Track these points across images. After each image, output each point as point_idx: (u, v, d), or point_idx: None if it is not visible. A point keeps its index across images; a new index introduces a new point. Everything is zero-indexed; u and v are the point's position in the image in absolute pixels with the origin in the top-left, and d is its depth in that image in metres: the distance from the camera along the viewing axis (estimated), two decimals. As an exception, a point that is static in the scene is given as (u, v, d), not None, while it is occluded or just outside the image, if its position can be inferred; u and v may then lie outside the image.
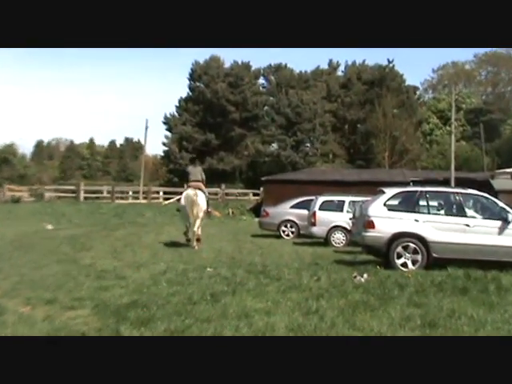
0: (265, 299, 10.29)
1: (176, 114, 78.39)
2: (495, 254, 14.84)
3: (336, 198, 24.98)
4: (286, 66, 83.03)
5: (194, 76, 78.40)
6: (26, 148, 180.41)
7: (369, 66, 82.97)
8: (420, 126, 78.79)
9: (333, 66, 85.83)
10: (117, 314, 9.04)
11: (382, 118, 69.25)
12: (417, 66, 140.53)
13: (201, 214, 20.17)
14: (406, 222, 15.21)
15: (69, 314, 9.19)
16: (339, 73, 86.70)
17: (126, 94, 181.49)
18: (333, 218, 23.91)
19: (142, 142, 77.15)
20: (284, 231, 27.21)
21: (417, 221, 15.17)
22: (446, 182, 37.61)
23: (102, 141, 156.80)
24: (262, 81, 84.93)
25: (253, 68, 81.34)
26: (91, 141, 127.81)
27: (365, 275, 12.96)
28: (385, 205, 15.64)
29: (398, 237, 15.08)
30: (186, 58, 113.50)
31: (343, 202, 24.38)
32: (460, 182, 32.19)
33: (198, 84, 78.14)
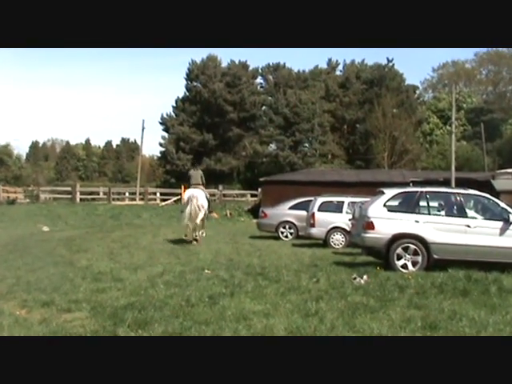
0: (263, 301, 10.31)
1: (173, 114, 78.37)
2: (496, 255, 14.84)
3: (335, 199, 25.00)
4: (284, 65, 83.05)
5: (191, 76, 78.39)
6: (21, 149, 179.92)
7: (368, 66, 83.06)
8: (420, 125, 78.85)
9: (331, 66, 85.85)
10: (114, 316, 9.05)
11: (382, 118, 69.32)
12: (416, 65, 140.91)
13: (201, 212, 21.46)
14: (406, 223, 15.22)
15: (65, 317, 9.20)
16: (338, 72, 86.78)
17: (123, 94, 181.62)
18: (332, 219, 23.93)
19: (139, 143, 77.25)
20: (282, 232, 27.21)
21: (417, 222, 15.17)
22: (446, 183, 37.61)
23: (98, 141, 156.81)
24: (259, 80, 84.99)
25: (250, 67, 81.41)
26: (87, 141, 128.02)
27: (364, 277, 12.98)
28: (384, 206, 15.65)
29: (397, 238, 15.09)
30: (183, 58, 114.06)
31: (342, 202, 24.40)
32: (460, 183, 32.19)
33: (195, 84, 78.15)
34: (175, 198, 50.65)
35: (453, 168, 43.56)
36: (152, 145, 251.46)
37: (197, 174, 22.80)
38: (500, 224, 15.13)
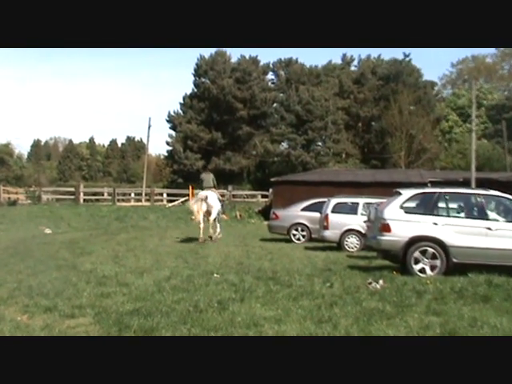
0: (275, 307, 10.30)
1: (180, 111, 78.51)
2: (519, 259, 14.80)
3: (349, 200, 24.96)
4: (296, 60, 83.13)
5: (199, 71, 78.46)
6: (22, 148, 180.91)
7: (384, 61, 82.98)
8: (438, 123, 78.73)
9: (346, 61, 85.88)
10: (119, 322, 9.06)
11: (398, 116, 69.23)
12: (435, 60, 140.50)
13: (213, 212, 23.91)
14: (423, 226, 15.17)
15: (68, 323, 9.22)
16: (352, 68, 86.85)
17: (128, 91, 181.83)
18: (346, 221, 23.88)
19: (145, 142, 77.40)
20: (295, 235, 27.19)
21: (435, 224, 15.12)
22: (466, 183, 37.54)
23: (102, 140, 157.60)
24: (270, 76, 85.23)
25: (261, 63, 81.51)
26: (91, 140, 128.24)
27: (380, 281, 12.95)
28: (401, 207, 15.61)
29: (415, 241, 15.05)
30: (191, 53, 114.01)
31: (357, 204, 24.34)
32: (481, 183, 32.13)
33: (203, 80, 78.21)
34: (183, 199, 50.68)
35: (473, 168, 43.42)
36: (159, 143, 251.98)
37: (208, 178, 25.07)
38: (523, 226, 15.09)
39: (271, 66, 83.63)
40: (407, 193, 16.09)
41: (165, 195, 57.34)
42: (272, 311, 9.96)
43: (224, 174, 69.79)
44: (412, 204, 15.98)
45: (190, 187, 48.36)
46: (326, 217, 24.15)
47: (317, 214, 25.74)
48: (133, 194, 58.58)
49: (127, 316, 9.44)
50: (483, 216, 15.36)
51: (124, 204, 50.68)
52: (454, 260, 14.83)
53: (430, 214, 15.37)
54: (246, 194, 59.59)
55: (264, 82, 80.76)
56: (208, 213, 23.86)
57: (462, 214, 15.68)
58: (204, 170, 28.48)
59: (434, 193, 16.07)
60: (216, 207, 24.17)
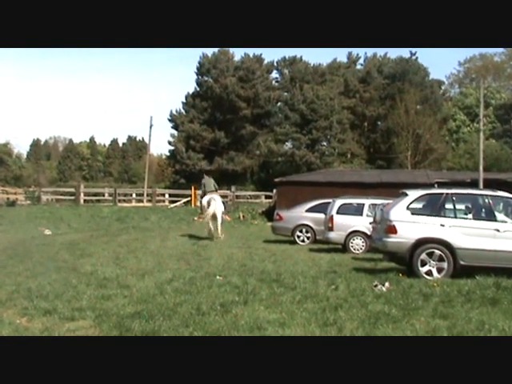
0: (279, 310, 10.30)
1: (183, 110, 78.54)
2: (528, 261, 14.78)
3: (355, 201, 24.95)
4: (300, 58, 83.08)
5: (201, 70, 78.50)
6: (21, 147, 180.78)
7: (390, 59, 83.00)
8: (445, 123, 78.71)
9: (351, 59, 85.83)
10: (120, 325, 9.07)
11: (405, 115, 69.20)
12: (442, 58, 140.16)
13: (219, 216, 25.71)
14: (430, 227, 15.16)
15: (68, 326, 9.21)
16: (358, 66, 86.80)
17: (129, 90, 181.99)
18: (351, 222, 23.87)
19: (146, 141, 77.72)
20: (299, 236, 27.16)
21: (442, 225, 15.11)
22: (473, 184, 37.51)
23: (103, 140, 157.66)
24: (274, 75, 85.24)
25: (265, 61, 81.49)
26: (92, 139, 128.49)
27: (386, 284, 12.94)
28: (408, 208, 15.59)
29: (422, 243, 15.03)
30: (193, 51, 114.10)
31: (362, 205, 24.32)
32: (489, 184, 32.06)
33: (206, 78, 78.25)
34: (185, 200, 50.74)
35: (481, 168, 43.42)
36: (160, 143, 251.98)
37: (210, 182, 26.82)
38: (532, 228, 15.07)
39: (275, 64, 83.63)
40: (414, 194, 16.08)
41: (167, 196, 57.31)
42: (276, 314, 9.96)
43: (227, 174, 69.85)
44: (418, 205, 15.96)
45: (193, 188, 48.41)
46: (331, 218, 24.13)
47: (321, 215, 25.72)
48: (134, 195, 58.55)
49: (128, 319, 9.44)
50: (491, 217, 15.35)
51: (125, 205, 50.68)
52: (462, 262, 14.82)
53: (437, 216, 15.36)
54: (249, 194, 59.61)
55: (268, 80, 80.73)
56: (214, 217, 25.60)
57: (470, 216, 15.66)
58: (207, 173, 28.93)
59: (441, 194, 16.04)
60: (221, 212, 26.02)
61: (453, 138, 79.81)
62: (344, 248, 23.50)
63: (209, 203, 25.56)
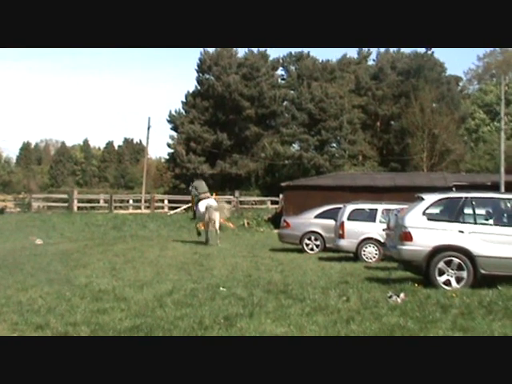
0: (286, 323, 10.30)
1: (182, 110, 78.61)
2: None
3: (367, 207, 24.95)
4: (308, 54, 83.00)
5: (202, 67, 78.55)
6: (10, 151, 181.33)
7: (404, 54, 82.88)
8: (464, 122, 78.66)
9: (362, 55, 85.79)
10: (117, 340, 9.08)
11: (420, 114, 69.15)
12: (459, 53, 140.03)
13: (217, 220, 28.20)
14: (448, 234, 15.13)
15: (62, 341, 9.22)
16: (370, 62, 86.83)
17: (126, 89, 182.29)
18: (364, 229, 23.87)
19: (144, 144, 77.57)
20: (307, 245, 27.18)
21: (461, 232, 15.08)
22: (494, 187, 37.43)
23: (97, 142, 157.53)
24: (280, 72, 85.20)
25: (270, 57, 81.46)
26: (85, 142, 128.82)
27: (401, 295, 12.93)
28: (424, 214, 15.57)
29: (439, 250, 15.01)
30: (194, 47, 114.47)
31: (375, 210, 24.31)
32: (511, 187, 32.02)
33: (207, 76, 78.29)
34: (185, 206, 50.68)
35: (502, 170, 43.29)
36: (159, 146, 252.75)
37: (202, 184, 29.58)
38: (557, 234, 15.03)
39: (281, 60, 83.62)
40: (430, 198, 16.05)
41: (166, 202, 57.30)
42: (283, 328, 9.96)
43: (230, 178, 69.90)
44: (435, 210, 15.94)
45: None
46: (342, 225, 24.13)
47: (331, 222, 25.73)
48: (131, 201, 58.49)
49: (126, 334, 9.45)
50: (514, 223, 15.34)
51: (122, 212, 50.70)
52: (482, 271, 14.78)
53: (456, 221, 15.33)
54: (254, 200, 59.49)
55: (273, 78, 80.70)
56: (213, 221, 27.88)
57: (491, 221, 15.60)
58: (195, 177, 30.92)
59: (460, 198, 16.01)
60: (218, 218, 28.52)
61: (472, 137, 79.74)
62: (356, 256, 23.50)
63: (206, 209, 27.90)
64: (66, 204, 50.26)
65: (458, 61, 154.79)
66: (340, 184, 41.03)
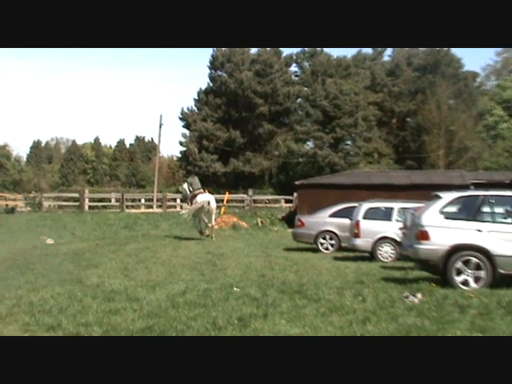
0: (301, 324, 10.30)
1: (195, 108, 78.63)
2: None
3: (383, 205, 24.89)
4: (322, 50, 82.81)
5: (215, 64, 78.52)
6: (20, 150, 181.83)
7: (420, 50, 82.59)
8: (481, 118, 78.34)
9: (378, 51, 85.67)
10: (129, 341, 9.10)
11: (436, 111, 69.04)
12: (476, 48, 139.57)
13: (214, 215, 30.47)
14: (466, 233, 15.09)
15: (74, 342, 9.25)
16: (385, 58, 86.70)
17: (137, 86, 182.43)
18: (379, 228, 23.82)
19: (156, 142, 77.56)
20: (322, 244, 27.16)
21: (479, 231, 15.03)
22: (513, 185, 37.31)
23: (108, 141, 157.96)
24: (294, 68, 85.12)
25: (284, 54, 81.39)
26: (96, 141, 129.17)
27: (418, 295, 12.91)
28: (441, 212, 15.53)
29: (457, 250, 14.96)
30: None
31: (391, 209, 24.26)
32: (530, 185, 31.88)
33: (219, 73, 78.25)
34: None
35: (521, 168, 43.18)
36: (171, 144, 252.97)
37: (196, 180, 31.82)
38: None
39: (294, 57, 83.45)
40: (447, 196, 16.01)
41: (178, 201, 57.25)
42: (298, 328, 9.96)
43: (243, 176, 69.90)
44: (453, 209, 15.89)
45: (207, 191, 48.42)
46: (357, 223, 24.10)
47: (347, 221, 25.70)
48: (143, 200, 58.67)
49: (138, 334, 9.48)
50: (533, 222, 15.28)
51: (133, 211, 50.79)
52: (501, 271, 14.73)
53: (474, 220, 15.28)
54: (267, 198, 59.54)
55: (287, 74, 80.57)
56: (209, 216, 30.02)
57: (510, 220, 15.56)
58: (189, 174, 32.48)
59: (478, 196, 15.95)
60: (215, 210, 30.86)
61: (490, 134, 79.38)
62: (372, 256, 23.46)
63: (207, 203, 29.70)
64: (77, 203, 50.36)
65: (476, 56, 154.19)
66: (355, 182, 40.95)
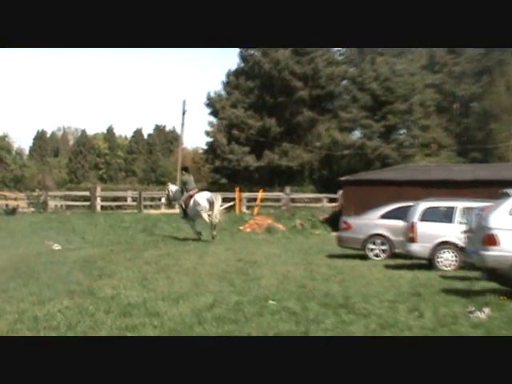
0: (348, 343, 10.29)
1: (223, 92, 78.67)
2: None
3: (443, 205, 24.81)
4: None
5: (246, 41, 78.47)
6: (22, 141, 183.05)
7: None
8: (560, 102, 77.78)
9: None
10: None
11: (506, 94, 68.58)
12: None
13: (218, 215, 32.36)
14: (541, 237, 15.01)
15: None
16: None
17: (155, 67, 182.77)
18: (439, 231, 23.75)
19: (178, 132, 77.87)
20: (372, 250, 27.14)
21: (557, 234, 14.94)
22: None
23: (124, 130, 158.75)
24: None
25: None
26: (110, 131, 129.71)
27: (486, 310, 12.85)
28: (511, 213, 15.45)
29: (530, 257, 14.90)
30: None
31: (453, 209, 24.18)
32: None
33: (252, 52, 78.20)
34: (227, 205, 50.74)
35: None
36: (196, 134, 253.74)
37: (191, 179, 33.34)
38: None
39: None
40: (519, 194, 15.93)
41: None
42: (344, 348, 9.96)
43: (280, 172, 69.81)
44: (526, 209, 15.80)
45: (237, 190, 48.50)
46: (413, 226, 24.03)
47: (400, 223, 25.67)
48: (163, 199, 58.90)
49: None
50: None
51: (152, 212, 51.05)
52: None
53: (551, 222, 15.19)
54: (308, 197, 59.47)
55: (330, 53, 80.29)
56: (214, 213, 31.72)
57: None
58: (185, 170, 34.94)
59: (555, 194, 15.87)
60: (219, 213, 32.67)
61: None
62: (430, 264, 23.40)
63: (211, 203, 31.62)
64: (87, 203, 50.73)
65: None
66: (410, 178, 40.83)
